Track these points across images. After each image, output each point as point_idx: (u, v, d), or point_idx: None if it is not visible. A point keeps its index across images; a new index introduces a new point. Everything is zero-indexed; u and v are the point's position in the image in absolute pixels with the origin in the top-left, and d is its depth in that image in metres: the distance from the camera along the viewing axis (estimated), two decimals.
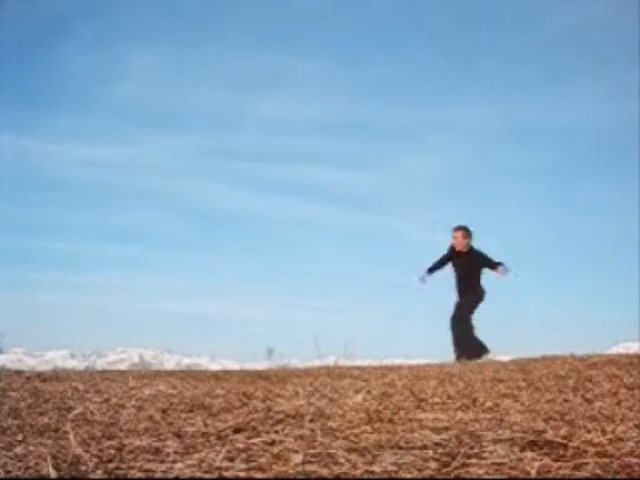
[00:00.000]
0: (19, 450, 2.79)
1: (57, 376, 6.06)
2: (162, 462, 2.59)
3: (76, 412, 3.76)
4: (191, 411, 3.72)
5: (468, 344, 10.50)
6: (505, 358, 8.55)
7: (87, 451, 2.74)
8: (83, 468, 2.49)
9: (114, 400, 4.25)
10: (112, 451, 2.78)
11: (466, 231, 11.09)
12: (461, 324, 10.75)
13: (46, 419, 3.59)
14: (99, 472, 2.44)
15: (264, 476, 2.36)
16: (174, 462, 2.58)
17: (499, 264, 10.95)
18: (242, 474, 2.39)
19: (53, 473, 2.38)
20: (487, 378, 5.20)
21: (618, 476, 2.30)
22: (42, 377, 5.84)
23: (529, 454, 2.60)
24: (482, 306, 10.93)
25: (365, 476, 2.33)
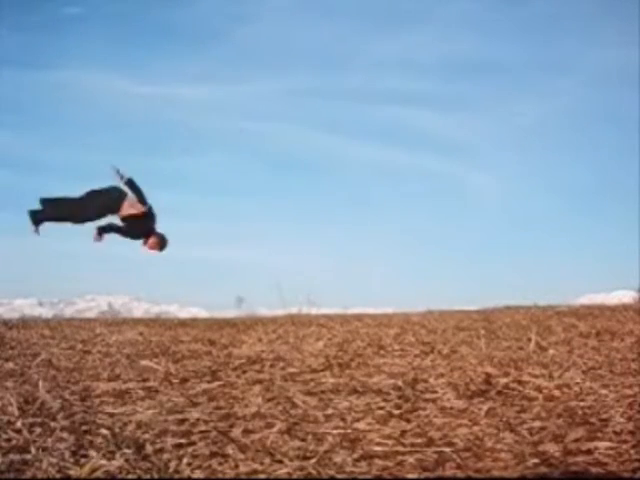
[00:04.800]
0: None
1: (24, 323, 6.08)
2: (125, 404, 2.66)
3: (42, 358, 3.80)
4: (156, 357, 3.79)
5: None
6: (472, 308, 8.61)
7: (52, 395, 2.80)
8: (48, 411, 2.55)
9: (80, 346, 4.29)
10: (77, 395, 2.84)
11: None
12: None
13: (12, 364, 3.63)
14: (64, 414, 2.50)
15: (224, 417, 2.45)
16: (137, 404, 2.65)
17: None
18: (204, 416, 2.47)
19: (17, 413, 2.44)
20: (449, 327, 5.30)
21: (560, 419, 2.42)
22: (9, 325, 5.85)
23: (479, 398, 2.72)
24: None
25: (322, 419, 2.42)
